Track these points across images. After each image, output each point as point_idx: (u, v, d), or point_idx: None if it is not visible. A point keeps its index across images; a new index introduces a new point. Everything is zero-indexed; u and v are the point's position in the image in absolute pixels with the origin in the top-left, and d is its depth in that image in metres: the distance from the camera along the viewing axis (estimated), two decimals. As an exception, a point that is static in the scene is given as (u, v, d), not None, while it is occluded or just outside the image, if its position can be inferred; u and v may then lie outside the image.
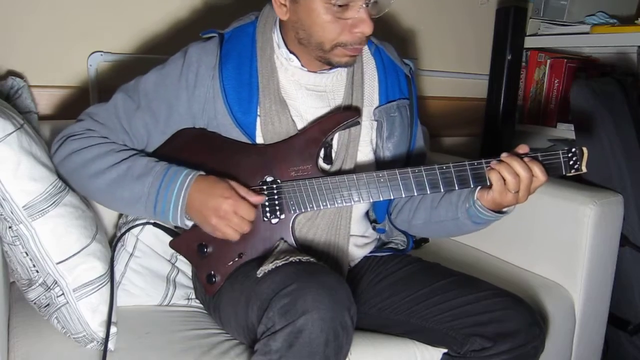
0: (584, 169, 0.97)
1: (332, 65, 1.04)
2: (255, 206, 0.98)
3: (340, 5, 0.94)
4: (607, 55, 2.12)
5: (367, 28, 0.96)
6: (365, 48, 1.15)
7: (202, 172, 0.98)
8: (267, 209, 1.01)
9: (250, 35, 1.07)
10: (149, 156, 1.03)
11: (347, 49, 0.98)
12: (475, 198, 1.00)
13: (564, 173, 0.98)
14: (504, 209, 1.00)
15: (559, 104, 2.03)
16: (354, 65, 1.10)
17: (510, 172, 0.93)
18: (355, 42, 0.98)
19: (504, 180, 0.94)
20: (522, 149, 0.97)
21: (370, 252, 1.19)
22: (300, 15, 0.98)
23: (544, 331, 1.02)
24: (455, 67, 2.06)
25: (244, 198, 0.96)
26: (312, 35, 0.98)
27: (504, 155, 0.96)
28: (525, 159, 0.95)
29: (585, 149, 0.97)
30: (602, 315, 1.43)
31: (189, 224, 1.00)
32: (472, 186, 0.99)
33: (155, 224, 1.09)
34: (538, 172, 0.94)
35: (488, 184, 0.97)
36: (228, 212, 0.94)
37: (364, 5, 0.94)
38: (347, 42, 0.98)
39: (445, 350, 1.07)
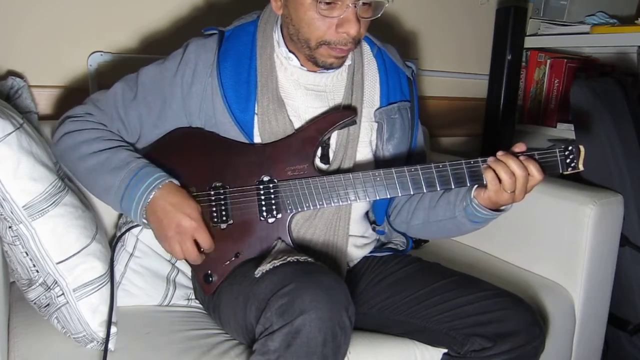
0: (581, 167, 0.97)
1: (318, 65, 1.03)
2: (213, 240, 0.99)
3: (327, 3, 0.94)
4: (607, 55, 2.12)
5: (352, 29, 0.95)
6: (367, 49, 1.15)
7: (174, 181, 0.99)
8: (264, 208, 1.01)
9: (251, 33, 1.07)
10: (146, 154, 1.04)
11: (332, 48, 0.98)
12: (472, 196, 1.00)
13: (560, 171, 0.97)
14: (501, 207, 1.00)
15: (559, 104, 2.03)
16: (353, 67, 1.10)
17: (506, 171, 0.93)
18: (340, 42, 0.97)
19: (500, 179, 0.94)
20: (519, 147, 0.97)
21: (370, 252, 1.19)
22: (290, 10, 0.98)
23: (544, 331, 1.02)
24: (455, 67, 2.06)
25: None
26: (300, 31, 0.98)
27: (499, 154, 0.95)
28: (521, 158, 0.95)
29: (582, 147, 0.97)
30: (602, 315, 1.43)
31: (146, 222, 1.00)
32: (468, 184, 0.98)
33: None
34: (534, 170, 0.94)
35: (485, 182, 0.97)
36: (187, 233, 0.96)
37: (351, 5, 0.94)
38: (331, 41, 0.97)
39: (445, 350, 1.07)
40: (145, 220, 0.99)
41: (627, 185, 1.45)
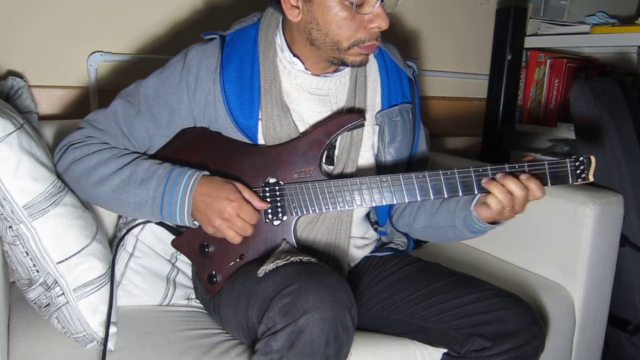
0: (591, 178, 0.96)
1: (345, 65, 1.03)
2: (258, 210, 0.98)
3: (358, 5, 0.94)
4: (607, 55, 2.13)
5: (383, 22, 0.96)
6: None
7: (205, 172, 0.98)
8: (269, 210, 1.01)
9: (252, 37, 1.06)
10: (151, 158, 1.03)
11: (362, 47, 0.98)
12: (471, 209, 1.01)
13: (570, 182, 0.97)
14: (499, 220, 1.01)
15: (559, 104, 2.03)
16: (358, 69, 1.09)
17: (504, 191, 0.94)
18: (372, 38, 0.98)
19: (501, 202, 0.94)
20: (529, 159, 0.97)
21: (371, 252, 1.19)
22: (315, 15, 0.97)
23: (544, 331, 1.02)
24: (455, 67, 2.06)
25: (248, 201, 0.96)
26: (328, 34, 0.97)
27: (499, 176, 0.95)
28: (522, 177, 0.94)
29: (593, 158, 0.96)
30: (602, 315, 1.43)
31: (197, 223, 1.00)
32: (476, 193, 0.98)
33: (157, 222, 1.09)
34: (535, 188, 0.94)
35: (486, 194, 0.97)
36: (232, 215, 0.94)
37: (377, 0, 0.95)
38: (364, 39, 0.98)
39: (445, 350, 1.07)
40: (195, 222, 0.98)
41: (627, 185, 1.45)
